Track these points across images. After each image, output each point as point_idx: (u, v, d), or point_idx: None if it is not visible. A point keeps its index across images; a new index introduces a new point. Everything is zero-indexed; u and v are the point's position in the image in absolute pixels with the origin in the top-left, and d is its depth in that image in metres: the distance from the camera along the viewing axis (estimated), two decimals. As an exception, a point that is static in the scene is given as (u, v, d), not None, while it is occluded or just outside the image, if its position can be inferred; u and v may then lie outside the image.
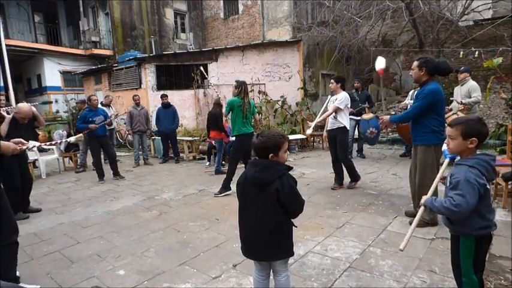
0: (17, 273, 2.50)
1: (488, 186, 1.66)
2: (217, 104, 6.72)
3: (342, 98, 4.68)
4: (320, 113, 5.05)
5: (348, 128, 4.85)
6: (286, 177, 1.75)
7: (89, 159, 7.49)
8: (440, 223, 3.29)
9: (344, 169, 4.94)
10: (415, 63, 3.31)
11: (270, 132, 1.84)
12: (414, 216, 3.58)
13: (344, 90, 4.86)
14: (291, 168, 1.83)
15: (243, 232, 1.90)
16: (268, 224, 1.77)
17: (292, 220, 1.86)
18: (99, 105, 8.09)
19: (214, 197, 4.83)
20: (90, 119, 6.05)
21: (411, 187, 3.60)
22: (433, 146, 3.23)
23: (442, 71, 3.31)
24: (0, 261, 2.26)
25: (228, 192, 4.86)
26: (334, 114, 4.74)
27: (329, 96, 5.09)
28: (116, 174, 6.33)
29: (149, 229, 3.62)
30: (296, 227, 1.92)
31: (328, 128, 4.94)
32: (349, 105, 4.85)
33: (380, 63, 4.53)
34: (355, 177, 4.91)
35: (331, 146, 4.96)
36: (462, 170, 1.66)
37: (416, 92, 3.45)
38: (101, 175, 6.18)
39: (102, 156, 6.53)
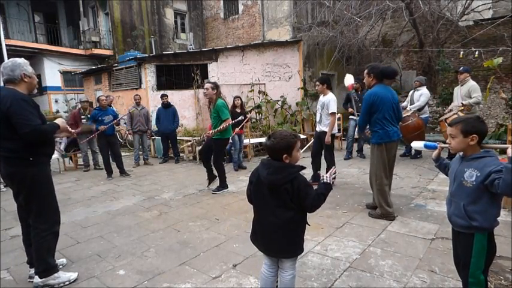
0: (56, 262, 2.64)
1: None
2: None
3: (333, 103, 4.80)
4: (321, 118, 5.03)
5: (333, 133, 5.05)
6: (297, 181, 1.78)
7: (90, 159, 7.53)
8: (445, 222, 3.28)
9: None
10: (365, 70, 3.70)
11: (281, 132, 1.84)
12: (373, 208, 3.76)
13: (331, 90, 5.05)
14: (303, 168, 1.85)
15: (259, 228, 1.93)
16: (282, 221, 1.81)
17: (305, 218, 1.90)
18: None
19: (212, 193, 4.97)
20: (100, 118, 6.39)
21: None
22: (376, 145, 3.61)
23: (388, 75, 3.65)
24: (42, 248, 2.47)
25: (225, 190, 5.05)
26: (319, 118, 5.00)
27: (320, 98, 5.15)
28: (122, 172, 6.56)
29: (149, 229, 3.62)
30: (309, 225, 1.97)
31: (316, 130, 5.18)
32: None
33: (349, 80, 4.84)
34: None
35: (313, 144, 5.22)
36: (492, 159, 1.70)
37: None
38: (109, 172, 6.44)
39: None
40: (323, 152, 5.10)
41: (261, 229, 1.92)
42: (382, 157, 3.59)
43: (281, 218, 1.81)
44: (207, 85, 4.93)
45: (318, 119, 5.07)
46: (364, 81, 3.73)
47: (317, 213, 3.83)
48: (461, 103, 5.52)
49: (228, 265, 2.72)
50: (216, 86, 4.91)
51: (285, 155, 1.79)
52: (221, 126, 4.83)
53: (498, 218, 1.76)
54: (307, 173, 5.93)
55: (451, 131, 1.81)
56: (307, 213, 1.90)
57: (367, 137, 6.36)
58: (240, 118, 5.59)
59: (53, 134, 2.58)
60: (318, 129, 5.11)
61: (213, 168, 5.15)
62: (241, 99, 7.05)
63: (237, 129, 6.01)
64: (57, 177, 6.75)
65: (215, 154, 5.07)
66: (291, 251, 1.88)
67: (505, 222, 3.27)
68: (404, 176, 5.57)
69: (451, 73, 10.74)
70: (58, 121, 2.59)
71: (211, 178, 5.25)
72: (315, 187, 1.82)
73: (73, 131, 2.85)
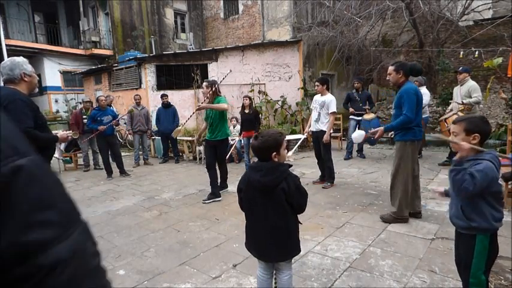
0: None
1: (500, 181, 1.70)
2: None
3: (334, 103, 4.90)
4: (319, 116, 5.08)
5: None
6: (290, 178, 1.78)
7: (90, 159, 7.53)
8: (445, 222, 3.28)
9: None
10: (391, 67, 3.55)
11: (268, 131, 1.87)
12: (388, 219, 3.55)
13: (329, 90, 5.11)
14: (290, 166, 1.86)
15: (253, 235, 1.91)
16: (278, 225, 1.80)
17: (297, 218, 1.90)
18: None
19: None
20: (99, 118, 6.39)
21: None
22: (409, 142, 3.46)
23: (417, 72, 3.61)
24: None
25: (225, 190, 5.04)
26: (317, 116, 5.03)
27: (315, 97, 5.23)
28: (122, 172, 6.56)
29: (149, 229, 3.62)
30: (301, 223, 1.95)
31: (313, 130, 5.21)
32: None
33: (359, 137, 3.99)
34: (332, 179, 5.13)
35: (314, 145, 5.32)
36: (483, 162, 1.70)
37: (398, 94, 3.58)
38: (109, 172, 6.46)
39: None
40: (322, 151, 5.13)
41: (255, 235, 1.89)
42: (415, 155, 3.53)
43: (275, 222, 1.79)
44: (203, 85, 4.83)
45: (315, 117, 5.09)
46: (389, 78, 3.58)
47: (317, 213, 3.84)
48: (462, 101, 5.52)
49: (228, 265, 2.72)
50: (210, 84, 4.73)
51: (274, 153, 1.79)
52: (215, 105, 4.57)
53: None
54: (308, 173, 5.95)
55: (455, 128, 1.81)
56: (300, 214, 1.89)
57: (369, 138, 6.36)
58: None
59: (47, 143, 2.54)
60: (314, 128, 5.13)
61: (219, 178, 4.90)
62: (250, 99, 6.29)
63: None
64: (57, 177, 6.75)
65: (220, 154, 4.93)
66: (286, 253, 1.86)
67: (505, 222, 3.25)
68: (404, 176, 5.56)
69: (451, 73, 10.74)
70: (59, 135, 2.62)
71: (221, 186, 4.95)
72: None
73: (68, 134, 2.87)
